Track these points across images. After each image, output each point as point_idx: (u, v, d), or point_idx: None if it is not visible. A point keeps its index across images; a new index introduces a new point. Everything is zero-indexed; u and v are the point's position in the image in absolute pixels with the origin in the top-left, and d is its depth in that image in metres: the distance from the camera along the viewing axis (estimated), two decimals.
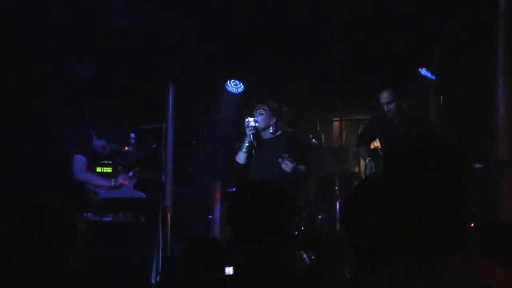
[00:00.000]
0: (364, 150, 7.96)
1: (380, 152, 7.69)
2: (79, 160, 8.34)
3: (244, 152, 7.97)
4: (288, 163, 7.53)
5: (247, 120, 7.92)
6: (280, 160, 7.59)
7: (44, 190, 8.04)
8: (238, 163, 8.05)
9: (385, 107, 7.47)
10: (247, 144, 7.96)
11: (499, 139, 6.74)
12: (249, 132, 7.92)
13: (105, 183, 8.46)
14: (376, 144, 8.28)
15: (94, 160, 8.46)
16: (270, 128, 8.04)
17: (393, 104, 7.38)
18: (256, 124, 7.88)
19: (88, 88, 8.96)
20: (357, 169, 10.08)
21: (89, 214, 8.23)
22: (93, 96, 8.94)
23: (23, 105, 8.71)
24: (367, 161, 7.83)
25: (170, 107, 8.77)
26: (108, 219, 8.47)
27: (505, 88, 6.68)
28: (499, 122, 6.75)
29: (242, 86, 10.38)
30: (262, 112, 8.00)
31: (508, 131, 6.68)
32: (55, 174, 8.21)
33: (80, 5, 8.11)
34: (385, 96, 7.43)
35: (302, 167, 7.79)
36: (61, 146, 8.35)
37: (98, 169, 8.63)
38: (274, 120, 8.09)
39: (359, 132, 8.99)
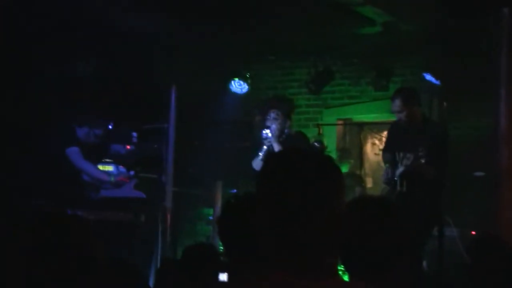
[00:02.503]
0: (386, 155, 8.01)
1: (396, 156, 7.74)
2: (74, 151, 8.14)
3: (262, 160, 7.97)
4: None
5: (264, 132, 7.91)
6: None
7: (41, 190, 8.03)
8: (254, 169, 8.03)
9: (396, 116, 7.51)
10: (264, 153, 7.98)
11: (499, 149, 6.69)
12: (267, 143, 7.96)
13: (105, 177, 8.43)
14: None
15: (86, 153, 8.35)
16: (285, 130, 8.07)
17: (403, 113, 7.41)
18: (273, 133, 7.91)
19: (88, 88, 8.96)
20: (358, 172, 10.06)
21: (88, 211, 8.24)
22: (94, 96, 8.94)
23: (17, 105, 8.70)
24: (385, 166, 7.90)
25: (173, 108, 8.75)
26: (109, 217, 8.47)
27: (507, 99, 6.64)
28: (499, 132, 6.71)
29: (247, 86, 10.37)
30: (276, 117, 8.01)
31: (508, 141, 6.64)
32: (52, 173, 8.14)
33: (85, 5, 8.09)
34: (395, 105, 7.46)
35: None
36: (52, 144, 8.27)
37: (100, 167, 8.62)
38: (288, 122, 8.13)
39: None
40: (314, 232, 2.17)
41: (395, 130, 7.88)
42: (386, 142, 8.24)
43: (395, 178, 7.52)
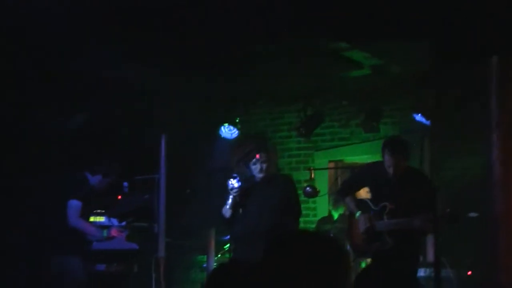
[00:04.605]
0: (352, 201, 7.71)
1: (371, 205, 7.50)
2: (74, 206, 7.98)
3: (230, 208, 7.59)
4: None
5: (230, 183, 7.39)
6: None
7: (39, 237, 8.00)
8: (223, 216, 7.67)
9: (387, 168, 7.31)
10: (231, 201, 7.58)
11: (494, 197, 6.64)
12: (234, 194, 7.43)
13: (97, 233, 8.35)
14: (363, 194, 8.14)
15: (90, 203, 8.24)
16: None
17: (392, 167, 7.25)
18: (239, 184, 7.46)
19: (83, 139, 8.93)
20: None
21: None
22: (87, 147, 8.90)
23: (18, 154, 8.68)
24: (357, 215, 7.62)
25: (163, 158, 8.73)
26: (101, 268, 8.40)
27: (499, 145, 6.61)
28: (494, 179, 6.66)
29: (237, 131, 10.30)
30: (265, 160, 7.58)
31: (503, 188, 6.60)
32: (50, 221, 8.07)
33: (76, 58, 8.07)
34: (386, 159, 7.29)
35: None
36: (56, 192, 8.19)
37: (91, 219, 8.54)
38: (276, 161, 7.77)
39: (342, 179, 8.95)
40: None
41: (372, 173, 7.61)
42: (350, 185, 7.92)
43: (381, 231, 7.33)
